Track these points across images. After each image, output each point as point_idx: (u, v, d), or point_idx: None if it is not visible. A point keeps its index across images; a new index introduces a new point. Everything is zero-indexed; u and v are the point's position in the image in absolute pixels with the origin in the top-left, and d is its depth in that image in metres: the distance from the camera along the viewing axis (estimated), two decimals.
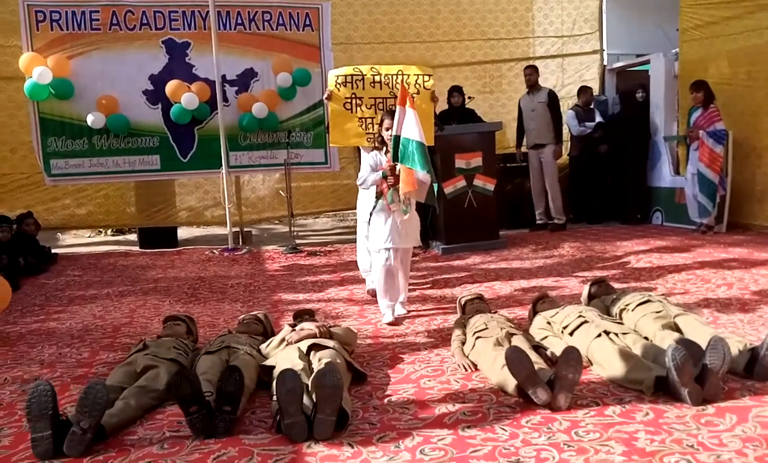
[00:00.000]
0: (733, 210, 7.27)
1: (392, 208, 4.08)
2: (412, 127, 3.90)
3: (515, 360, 2.58)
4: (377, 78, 4.66)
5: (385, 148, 4.20)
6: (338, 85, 4.63)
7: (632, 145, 8.45)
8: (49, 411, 2.31)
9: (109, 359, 3.53)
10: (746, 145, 7.34)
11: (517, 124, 8.42)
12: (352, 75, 4.67)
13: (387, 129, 4.11)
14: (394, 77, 4.67)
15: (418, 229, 4.30)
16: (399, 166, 3.95)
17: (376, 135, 4.33)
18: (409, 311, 4.35)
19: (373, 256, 4.34)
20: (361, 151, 4.94)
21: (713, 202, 7.19)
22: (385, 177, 4.07)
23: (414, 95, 4.45)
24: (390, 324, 4.09)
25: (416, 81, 4.66)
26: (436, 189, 4.10)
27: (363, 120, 4.65)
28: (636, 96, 8.48)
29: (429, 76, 4.72)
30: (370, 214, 4.22)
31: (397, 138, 3.99)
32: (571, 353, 2.61)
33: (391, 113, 4.07)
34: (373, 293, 4.71)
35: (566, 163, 9.14)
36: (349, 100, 4.64)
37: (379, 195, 4.14)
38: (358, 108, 4.65)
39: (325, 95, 4.73)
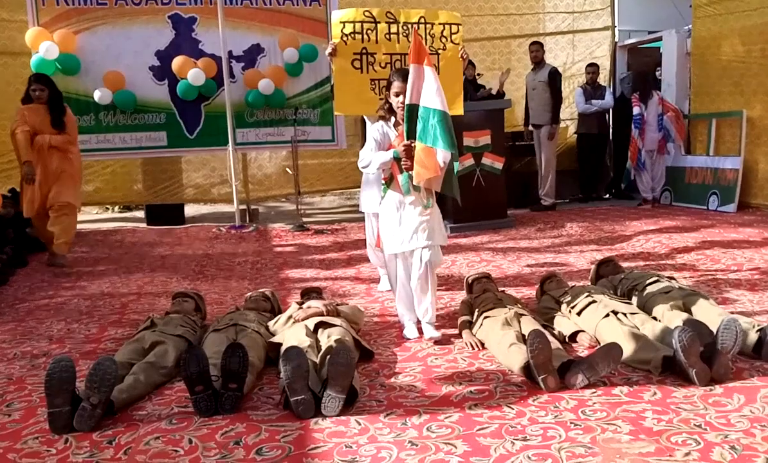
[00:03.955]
0: (744, 190, 7.21)
1: (407, 199, 3.21)
2: (431, 93, 3.01)
3: (538, 344, 2.56)
4: (393, 28, 3.81)
5: (394, 119, 3.32)
6: (345, 37, 3.77)
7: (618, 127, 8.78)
8: (70, 387, 2.33)
9: (117, 334, 3.55)
10: (759, 125, 7.26)
11: (525, 102, 8.38)
12: (362, 22, 3.77)
13: (397, 94, 3.20)
14: (415, 27, 3.76)
15: (441, 223, 3.35)
16: (415, 144, 3.06)
17: (383, 102, 3.41)
18: (443, 335, 3.30)
19: (389, 260, 3.46)
20: (366, 121, 4.07)
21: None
22: (397, 159, 3.18)
23: (439, 51, 3.71)
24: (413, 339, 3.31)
25: (442, 32, 3.83)
26: (456, 170, 3.20)
27: (376, 82, 3.82)
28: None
29: (458, 25, 3.86)
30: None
31: (412, 108, 3.07)
32: (615, 349, 2.60)
33: (403, 73, 3.17)
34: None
35: (574, 142, 9.12)
36: (358, 57, 3.79)
37: (389, 182, 3.29)
38: (370, 67, 3.80)
39: (328, 50, 3.83)
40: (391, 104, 3.30)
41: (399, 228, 3.24)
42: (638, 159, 7.96)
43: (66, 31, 7.05)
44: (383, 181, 3.35)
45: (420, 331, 3.33)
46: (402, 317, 3.46)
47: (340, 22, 3.81)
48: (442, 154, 3.05)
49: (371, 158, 3.26)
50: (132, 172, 8.47)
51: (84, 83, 7.21)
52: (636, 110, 7.82)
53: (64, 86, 7.11)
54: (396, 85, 3.21)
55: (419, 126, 3.03)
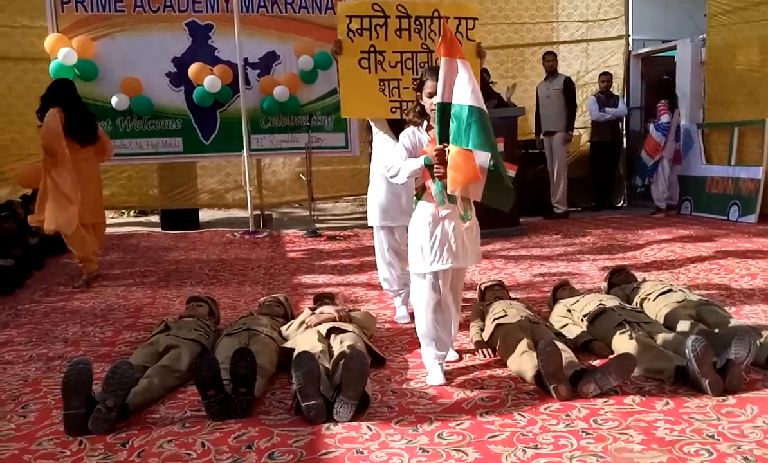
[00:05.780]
0: (766, 201, 7.11)
1: (442, 212, 2.79)
2: (465, 89, 2.64)
3: (547, 353, 2.56)
4: (404, 23, 3.51)
5: (426, 123, 2.91)
6: (351, 33, 3.50)
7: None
8: (87, 389, 2.36)
9: (131, 338, 3.59)
10: None
11: (535, 111, 8.43)
12: (370, 17, 3.49)
13: (431, 95, 2.79)
14: (428, 22, 3.52)
15: (479, 239, 2.93)
16: (449, 148, 2.66)
17: (414, 104, 2.99)
18: (461, 356, 3.13)
19: (414, 282, 2.94)
20: (373, 126, 3.82)
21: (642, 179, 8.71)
22: (429, 166, 2.77)
23: None
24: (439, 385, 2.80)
25: (457, 28, 3.50)
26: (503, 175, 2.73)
27: (385, 83, 3.54)
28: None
29: (474, 20, 3.57)
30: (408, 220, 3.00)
31: (444, 107, 2.68)
32: (629, 361, 2.60)
33: (436, 71, 2.74)
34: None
35: (587, 150, 9.12)
36: (366, 56, 3.51)
37: (421, 192, 2.87)
38: (379, 66, 3.52)
39: (332, 48, 3.56)
40: (422, 107, 2.90)
41: (429, 244, 2.79)
42: (653, 166, 8.03)
43: (84, 38, 7.14)
44: (414, 192, 2.96)
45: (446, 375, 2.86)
46: (426, 356, 2.93)
47: (346, 17, 3.54)
48: (481, 157, 2.63)
49: (400, 167, 2.84)
50: (148, 177, 8.55)
51: (101, 89, 7.28)
52: (665, 118, 7.86)
53: (82, 91, 7.22)
54: (429, 85, 2.81)
55: (452, 127, 2.67)
